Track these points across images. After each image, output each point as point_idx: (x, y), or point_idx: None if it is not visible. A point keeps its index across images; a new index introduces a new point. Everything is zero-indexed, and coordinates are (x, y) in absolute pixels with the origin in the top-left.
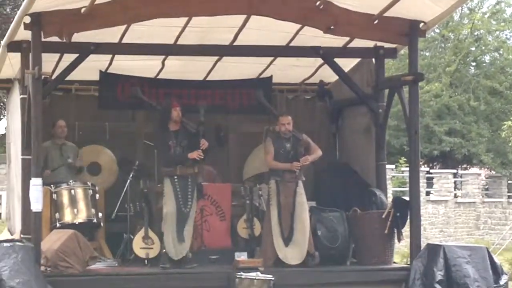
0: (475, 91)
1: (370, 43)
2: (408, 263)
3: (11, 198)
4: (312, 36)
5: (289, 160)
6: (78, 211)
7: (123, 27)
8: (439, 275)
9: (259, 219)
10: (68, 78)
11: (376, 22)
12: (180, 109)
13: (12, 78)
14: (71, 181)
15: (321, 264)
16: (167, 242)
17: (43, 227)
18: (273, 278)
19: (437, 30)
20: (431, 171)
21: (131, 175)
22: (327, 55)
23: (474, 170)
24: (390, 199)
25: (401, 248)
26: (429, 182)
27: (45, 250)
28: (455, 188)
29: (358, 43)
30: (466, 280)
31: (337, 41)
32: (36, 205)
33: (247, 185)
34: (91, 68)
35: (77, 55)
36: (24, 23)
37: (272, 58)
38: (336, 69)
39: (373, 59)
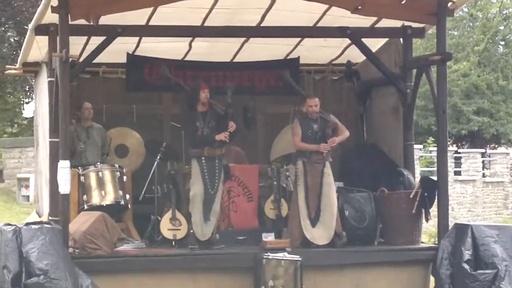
0: (504, 70)
1: (397, 23)
2: (436, 242)
3: (39, 180)
4: (340, 17)
5: (316, 141)
6: (105, 193)
7: (150, 9)
8: (467, 254)
9: (286, 200)
10: (96, 60)
11: (403, 1)
12: (208, 91)
13: (40, 61)
14: (98, 163)
15: (348, 244)
16: (194, 223)
17: (71, 209)
18: (300, 259)
19: (466, 9)
20: (459, 150)
21: (158, 157)
22: (355, 35)
23: (502, 149)
24: (417, 179)
25: (429, 228)
26: (457, 161)
27: (73, 232)
28: (483, 167)
29: (385, 23)
30: (494, 260)
31: (365, 21)
32: (64, 187)
33: (274, 166)
34: (118, 51)
35: (104, 37)
36: (52, 6)
37: (299, 39)
38: (364, 49)
39: (401, 39)
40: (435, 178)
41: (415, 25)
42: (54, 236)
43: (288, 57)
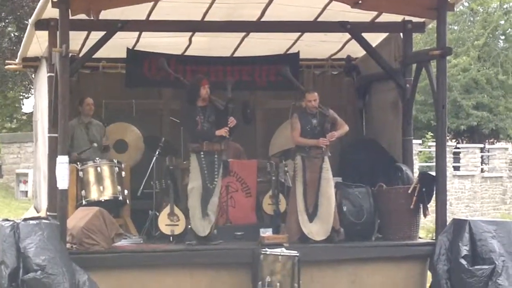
0: (504, 64)
1: (398, 18)
2: (434, 238)
3: (38, 176)
4: (340, 11)
5: (315, 136)
6: (104, 188)
7: (150, 4)
8: (464, 250)
9: (284, 195)
10: (96, 55)
11: None
12: (208, 87)
13: (40, 56)
14: (97, 158)
15: (346, 240)
16: (192, 218)
17: (69, 205)
18: (298, 254)
19: (466, 4)
20: (458, 145)
21: (157, 152)
22: (355, 30)
23: (501, 144)
24: (416, 174)
25: (426, 223)
26: (456, 157)
27: (70, 228)
28: (482, 162)
29: (385, 17)
30: (491, 255)
31: (365, 16)
32: (62, 182)
33: (273, 161)
34: (118, 46)
35: (104, 32)
36: (52, 1)
37: (299, 33)
38: (364, 44)
39: (401, 34)
40: (433, 173)
41: (415, 19)
42: (52, 232)
43: (288, 52)
